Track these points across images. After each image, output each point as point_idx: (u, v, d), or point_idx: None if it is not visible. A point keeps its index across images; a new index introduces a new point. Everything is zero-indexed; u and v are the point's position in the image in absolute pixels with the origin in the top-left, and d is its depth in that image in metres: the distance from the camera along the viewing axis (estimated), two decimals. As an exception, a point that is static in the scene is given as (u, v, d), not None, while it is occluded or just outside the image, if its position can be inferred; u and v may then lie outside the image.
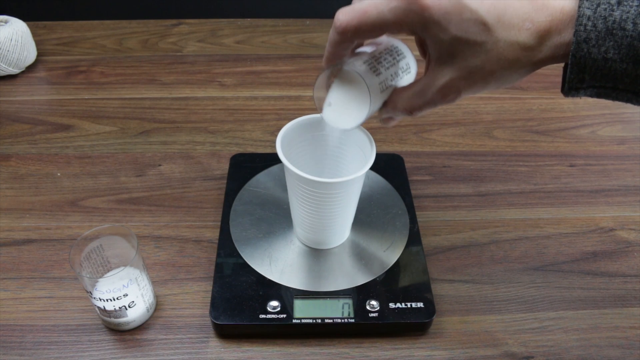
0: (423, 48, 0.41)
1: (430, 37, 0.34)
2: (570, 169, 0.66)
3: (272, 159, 0.61)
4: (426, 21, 0.32)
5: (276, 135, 0.46)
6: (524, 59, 0.33)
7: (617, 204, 0.61)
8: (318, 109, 0.43)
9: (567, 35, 0.32)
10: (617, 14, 0.30)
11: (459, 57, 0.34)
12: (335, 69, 0.40)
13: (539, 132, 0.71)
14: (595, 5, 0.30)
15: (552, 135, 0.71)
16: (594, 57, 0.31)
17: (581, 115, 0.74)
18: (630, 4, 0.29)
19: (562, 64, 0.34)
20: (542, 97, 0.77)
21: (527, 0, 0.32)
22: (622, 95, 0.32)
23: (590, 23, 0.30)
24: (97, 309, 0.46)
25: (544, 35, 0.32)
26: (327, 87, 0.42)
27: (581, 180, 0.64)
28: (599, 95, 0.33)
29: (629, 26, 0.29)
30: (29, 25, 0.78)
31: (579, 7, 0.30)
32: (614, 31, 0.30)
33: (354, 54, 0.39)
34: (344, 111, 0.41)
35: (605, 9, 0.30)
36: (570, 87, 0.33)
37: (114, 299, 0.44)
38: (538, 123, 0.73)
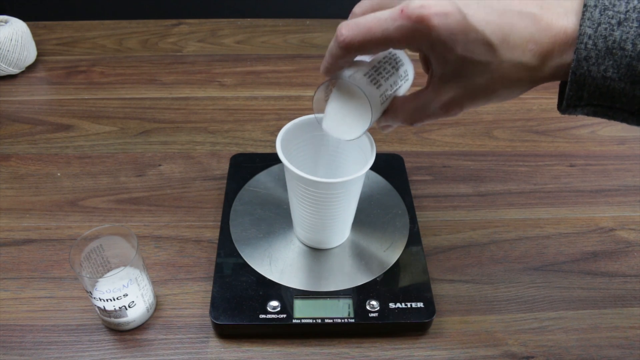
0: (426, 64, 0.41)
1: (435, 55, 0.34)
2: (570, 169, 0.66)
3: (272, 159, 0.61)
4: (432, 41, 0.32)
5: (276, 135, 0.46)
6: (526, 78, 0.34)
7: (617, 204, 0.61)
8: (318, 121, 0.43)
9: (568, 57, 0.32)
10: (617, 34, 0.30)
11: (463, 76, 0.34)
12: (335, 80, 0.40)
13: (539, 132, 0.71)
14: (596, 25, 0.30)
15: (552, 135, 0.71)
16: (594, 75, 0.31)
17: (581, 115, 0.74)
18: (630, 24, 0.30)
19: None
20: (542, 97, 0.77)
21: (531, 20, 0.32)
22: (619, 115, 0.33)
23: (590, 42, 0.31)
24: (97, 309, 0.46)
25: (546, 56, 0.32)
26: (327, 97, 0.42)
27: (581, 180, 0.64)
28: (595, 114, 0.34)
29: (629, 46, 0.30)
30: (29, 25, 0.78)
31: (581, 25, 0.31)
32: (614, 51, 0.30)
33: (352, 63, 0.39)
34: (345, 123, 0.41)
35: (605, 29, 0.30)
36: (569, 104, 0.33)
37: (114, 299, 0.44)
38: (538, 123, 0.73)
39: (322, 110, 0.42)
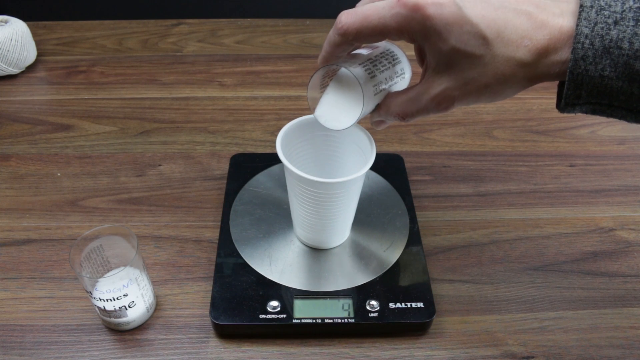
0: (421, 56, 0.41)
1: (429, 46, 0.34)
2: (570, 169, 0.66)
3: (272, 159, 0.61)
4: (427, 30, 0.33)
5: (276, 135, 0.46)
6: (519, 75, 0.34)
7: (617, 204, 0.61)
8: (311, 109, 0.43)
9: (564, 54, 0.32)
10: (613, 33, 0.30)
11: (456, 68, 0.34)
12: (330, 69, 0.40)
13: (539, 132, 0.71)
14: (592, 24, 0.31)
15: (552, 135, 0.71)
16: (591, 74, 0.31)
17: (581, 115, 0.74)
18: (627, 24, 0.30)
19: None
20: (542, 97, 0.77)
21: (526, 18, 0.32)
22: (617, 112, 0.33)
23: (587, 41, 0.31)
24: (97, 309, 0.46)
25: (541, 53, 0.32)
26: (321, 87, 0.42)
27: (581, 180, 0.64)
28: (594, 112, 0.34)
29: (625, 45, 0.30)
30: (29, 25, 0.78)
31: (577, 25, 0.31)
32: (611, 49, 0.30)
33: (350, 55, 0.40)
34: (337, 112, 0.41)
35: (602, 28, 0.30)
36: (567, 103, 0.34)
37: (114, 299, 0.44)
38: (538, 123, 0.73)
39: (315, 98, 0.42)
